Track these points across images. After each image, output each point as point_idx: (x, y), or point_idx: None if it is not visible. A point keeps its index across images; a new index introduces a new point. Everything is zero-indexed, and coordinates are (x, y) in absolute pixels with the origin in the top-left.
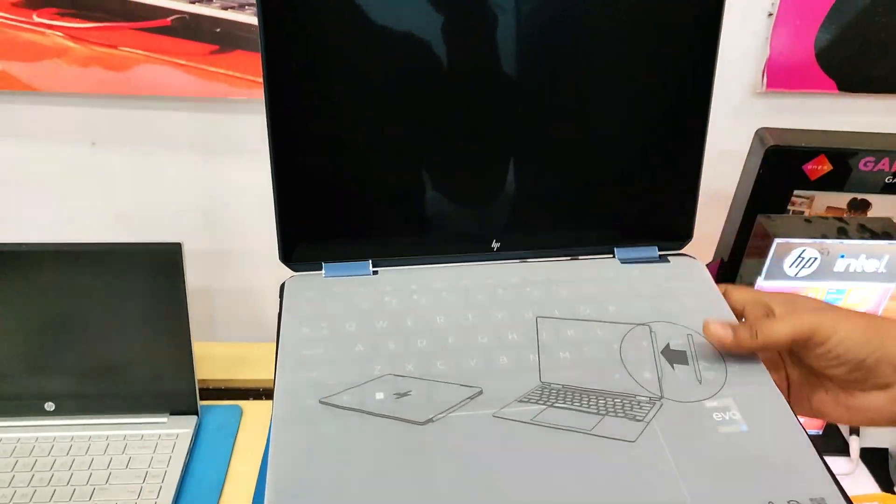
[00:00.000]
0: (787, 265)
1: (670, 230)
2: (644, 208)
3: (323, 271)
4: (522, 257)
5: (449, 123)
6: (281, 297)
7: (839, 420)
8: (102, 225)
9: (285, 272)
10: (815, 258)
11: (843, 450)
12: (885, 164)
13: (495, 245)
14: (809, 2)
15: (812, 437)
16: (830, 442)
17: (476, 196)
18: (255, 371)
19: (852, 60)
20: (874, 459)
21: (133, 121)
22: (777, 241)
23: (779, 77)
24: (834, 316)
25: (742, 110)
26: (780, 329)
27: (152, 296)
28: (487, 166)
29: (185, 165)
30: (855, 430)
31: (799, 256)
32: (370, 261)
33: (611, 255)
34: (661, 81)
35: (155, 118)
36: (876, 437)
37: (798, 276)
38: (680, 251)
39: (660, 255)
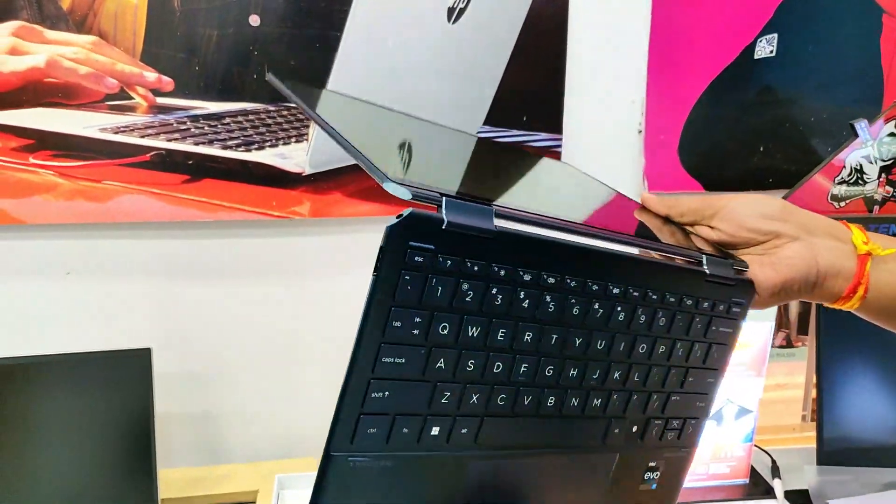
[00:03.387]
0: None
1: None
2: None
3: None
4: None
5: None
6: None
7: (767, 281)
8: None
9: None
10: None
11: (769, 492)
12: None
13: None
14: (668, 118)
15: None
16: (756, 487)
17: None
18: (216, 487)
19: (709, 165)
20: (798, 500)
21: (107, 248)
22: None
23: (656, 181)
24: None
25: None
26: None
27: (119, 403)
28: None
29: (157, 288)
30: (777, 473)
31: None
32: None
33: None
34: None
35: (128, 244)
36: (794, 480)
37: None
38: None
39: None
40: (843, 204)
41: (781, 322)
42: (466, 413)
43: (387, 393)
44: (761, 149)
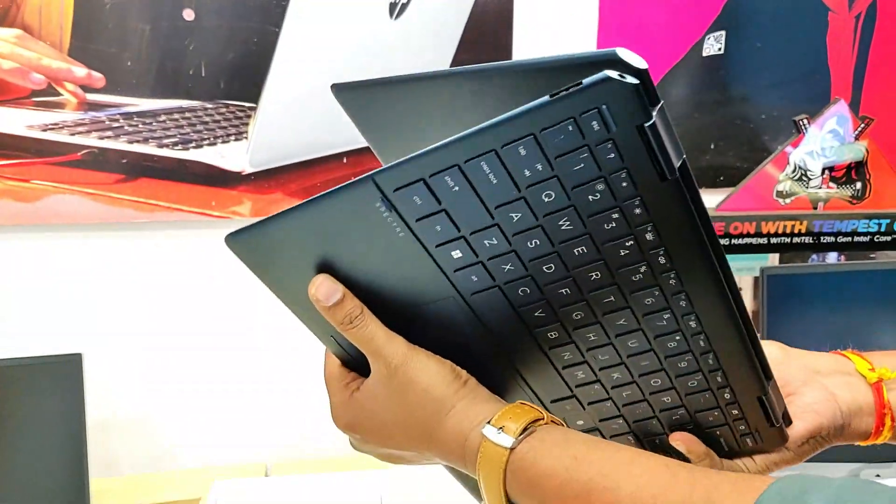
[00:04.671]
0: None
1: None
2: None
3: None
4: None
5: None
6: None
7: (796, 433)
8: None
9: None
10: None
11: None
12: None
13: None
14: None
15: None
16: None
17: None
18: (158, 495)
19: None
20: None
21: (37, 250)
22: None
23: None
24: None
25: None
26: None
27: (49, 409)
28: None
29: (90, 291)
30: None
31: None
32: None
33: None
34: None
35: (59, 246)
36: None
37: None
38: None
39: None
40: (787, 201)
41: None
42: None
43: (456, 188)
44: (712, 146)
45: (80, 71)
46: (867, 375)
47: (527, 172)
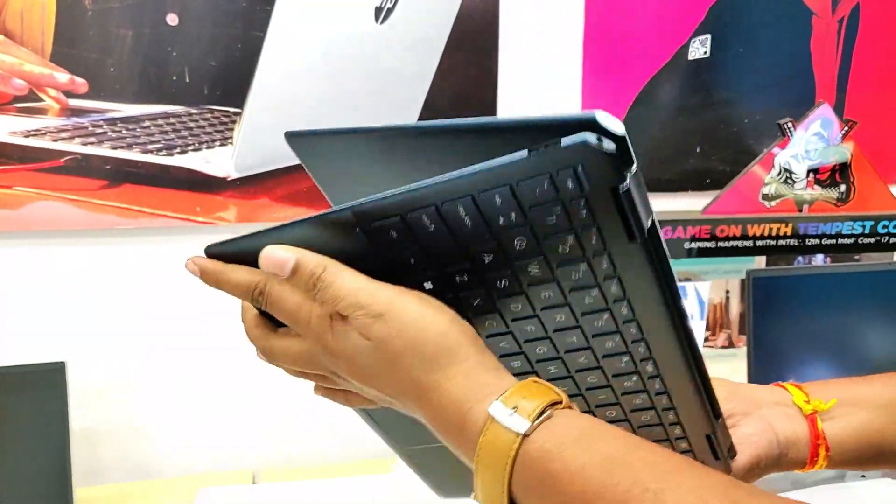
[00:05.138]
0: None
1: None
2: None
3: None
4: None
5: None
6: None
7: (735, 464)
8: None
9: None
10: None
11: None
12: (680, 232)
13: None
14: None
15: None
16: None
17: None
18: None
19: (648, 167)
20: None
21: (21, 256)
22: None
23: None
24: None
25: None
26: None
27: (32, 419)
28: None
29: (74, 298)
30: None
31: None
32: None
33: None
34: None
35: (43, 253)
36: None
37: None
38: None
39: None
40: (773, 203)
41: (723, 323)
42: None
43: (432, 227)
44: (698, 150)
45: (63, 76)
46: (802, 407)
47: (501, 220)
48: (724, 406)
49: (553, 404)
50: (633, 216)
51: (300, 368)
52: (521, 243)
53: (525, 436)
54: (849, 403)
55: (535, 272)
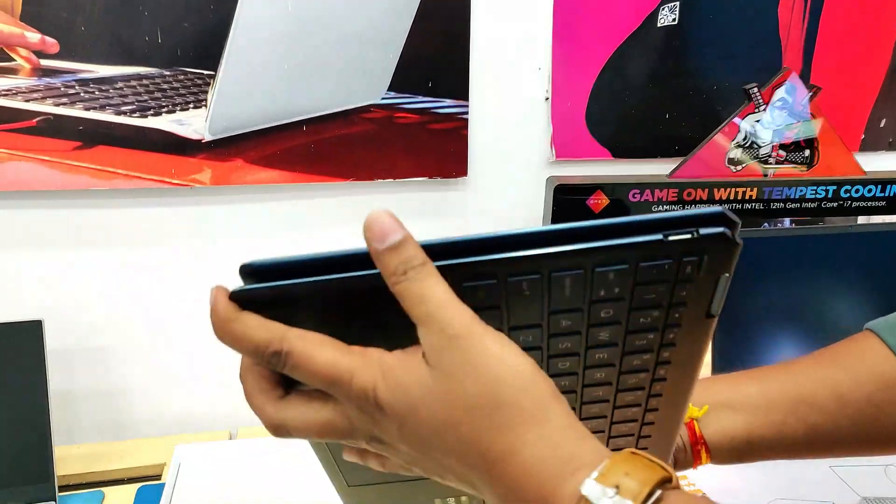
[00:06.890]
0: None
1: None
2: None
3: None
4: None
5: None
6: None
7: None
8: None
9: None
10: None
11: None
12: (648, 195)
13: None
14: (574, 86)
15: None
16: None
17: None
18: (121, 462)
19: (618, 134)
20: None
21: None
22: None
23: (563, 149)
24: None
25: (541, 176)
26: None
27: (10, 377)
28: None
29: (50, 259)
30: None
31: None
32: None
33: None
34: None
35: (17, 214)
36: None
37: None
38: None
39: None
40: (739, 168)
41: None
42: None
43: (527, 292)
44: (667, 116)
45: (34, 36)
46: None
47: (602, 292)
48: None
49: (663, 483)
50: (721, 299)
51: (328, 440)
52: (607, 313)
53: None
54: (721, 406)
55: (603, 337)
